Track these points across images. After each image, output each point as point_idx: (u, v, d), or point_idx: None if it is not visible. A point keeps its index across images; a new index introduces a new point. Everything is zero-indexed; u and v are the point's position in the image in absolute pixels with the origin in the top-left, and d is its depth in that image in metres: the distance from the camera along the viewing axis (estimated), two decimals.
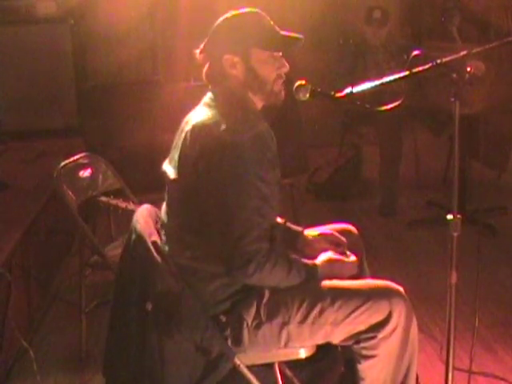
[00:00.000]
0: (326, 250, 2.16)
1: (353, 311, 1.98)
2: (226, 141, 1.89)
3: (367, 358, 2.02)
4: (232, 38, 2.01)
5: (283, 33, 2.05)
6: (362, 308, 1.98)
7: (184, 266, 1.99)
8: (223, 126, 1.91)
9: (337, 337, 2.02)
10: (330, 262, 2.08)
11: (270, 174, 1.95)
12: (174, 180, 2.02)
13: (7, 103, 5.13)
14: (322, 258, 2.10)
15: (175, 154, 2.03)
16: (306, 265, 2.03)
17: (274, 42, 2.03)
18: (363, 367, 2.03)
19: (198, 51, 2.08)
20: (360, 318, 1.98)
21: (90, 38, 5.43)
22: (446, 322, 1.97)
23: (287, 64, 2.06)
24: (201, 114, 2.01)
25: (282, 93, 2.07)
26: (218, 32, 2.04)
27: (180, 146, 2.00)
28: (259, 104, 2.08)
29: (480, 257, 2.44)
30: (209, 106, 2.03)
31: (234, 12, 2.04)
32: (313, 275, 2.03)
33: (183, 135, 2.00)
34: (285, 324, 1.98)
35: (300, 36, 2.05)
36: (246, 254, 1.88)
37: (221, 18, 2.05)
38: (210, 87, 2.09)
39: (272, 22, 2.06)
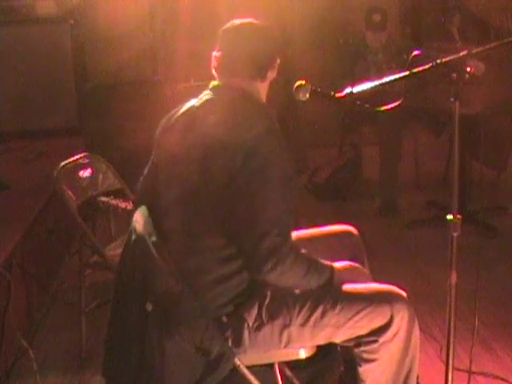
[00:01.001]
0: None
1: (354, 315, 1.98)
2: (243, 142, 1.89)
3: (368, 361, 2.02)
4: (278, 42, 2.12)
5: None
6: (364, 312, 1.98)
7: (191, 269, 1.98)
8: (234, 126, 1.92)
9: (338, 338, 2.02)
10: (347, 268, 2.08)
11: (290, 167, 1.97)
12: (181, 186, 2.00)
13: (7, 103, 5.13)
14: (340, 263, 2.09)
15: (181, 157, 2.01)
16: (324, 265, 2.02)
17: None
18: (364, 370, 2.03)
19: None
20: (361, 321, 1.98)
21: (90, 38, 5.43)
22: (445, 322, 1.97)
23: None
24: (208, 115, 1.99)
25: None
26: (262, 32, 2.09)
27: (189, 151, 1.97)
28: (264, 94, 2.11)
29: (480, 257, 2.43)
30: (212, 104, 2.02)
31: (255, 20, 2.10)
32: (330, 276, 2.01)
33: (190, 140, 1.98)
34: (286, 326, 1.98)
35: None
36: (268, 249, 1.87)
37: (250, 21, 2.09)
38: (214, 83, 2.07)
39: None
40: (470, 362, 2.42)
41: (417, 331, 2.03)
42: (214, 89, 2.07)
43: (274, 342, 1.99)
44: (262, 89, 2.09)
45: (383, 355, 2.00)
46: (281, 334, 1.98)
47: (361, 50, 4.86)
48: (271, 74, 2.08)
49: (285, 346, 2.00)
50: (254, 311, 1.98)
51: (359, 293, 2.02)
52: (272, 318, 1.97)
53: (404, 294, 2.06)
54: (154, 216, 2.05)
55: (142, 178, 2.22)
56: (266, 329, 1.97)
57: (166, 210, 2.05)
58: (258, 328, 1.97)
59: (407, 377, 2.04)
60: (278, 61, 2.09)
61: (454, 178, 1.93)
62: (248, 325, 1.96)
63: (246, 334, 1.96)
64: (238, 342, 1.97)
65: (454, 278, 1.95)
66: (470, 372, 2.44)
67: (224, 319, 1.97)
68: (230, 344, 1.96)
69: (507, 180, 4.87)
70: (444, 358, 2.02)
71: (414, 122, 4.85)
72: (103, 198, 2.97)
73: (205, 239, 1.96)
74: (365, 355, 2.01)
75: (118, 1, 5.21)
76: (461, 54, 1.92)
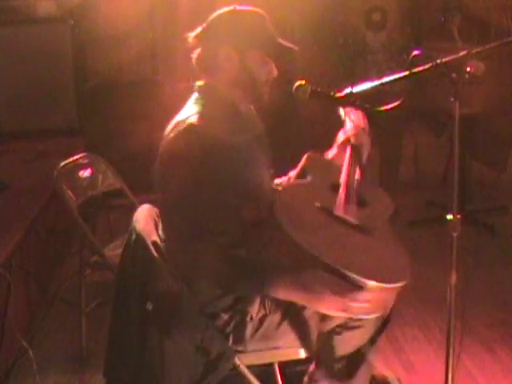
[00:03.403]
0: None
1: None
2: (192, 137, 1.87)
3: (351, 328, 2.02)
4: (234, 34, 2.00)
5: (280, 41, 2.03)
6: None
7: (185, 262, 1.97)
8: (198, 122, 1.89)
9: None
10: None
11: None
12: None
13: (7, 103, 5.12)
14: None
15: None
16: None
17: (273, 49, 2.02)
18: (340, 339, 2.03)
19: (191, 34, 2.05)
20: None
21: (90, 38, 5.42)
22: (445, 322, 1.98)
23: (276, 70, 2.04)
24: (184, 110, 2.00)
25: (267, 96, 2.05)
26: (221, 23, 2.02)
27: None
28: (243, 104, 2.05)
29: (479, 257, 2.44)
30: (194, 103, 2.02)
31: (239, 7, 2.03)
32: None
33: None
34: (287, 314, 1.99)
35: (295, 48, 2.04)
36: None
37: (225, 9, 2.03)
38: (196, 84, 2.06)
39: (272, 28, 2.04)
40: (470, 361, 2.43)
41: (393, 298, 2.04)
42: (197, 88, 2.07)
43: (275, 334, 1.99)
44: (239, 82, 2.01)
45: (369, 321, 2.01)
46: (282, 323, 1.98)
47: (361, 50, 4.86)
48: (254, 68, 2.00)
49: (284, 342, 2.00)
50: (257, 303, 1.98)
51: None
52: (275, 308, 1.98)
53: None
54: None
55: None
56: (269, 320, 1.98)
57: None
58: (261, 320, 1.98)
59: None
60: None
61: (453, 178, 1.94)
62: (251, 317, 1.97)
63: (249, 326, 1.97)
64: (240, 336, 1.97)
65: (453, 278, 1.95)
66: (469, 372, 2.44)
67: (224, 316, 1.97)
68: (231, 341, 1.96)
69: (507, 180, 4.87)
70: (444, 358, 2.03)
71: (414, 122, 4.84)
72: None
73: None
74: (351, 322, 2.01)
75: (118, 1, 5.20)
76: (461, 53, 1.92)
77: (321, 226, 1.85)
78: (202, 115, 1.93)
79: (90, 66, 5.50)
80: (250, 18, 2.03)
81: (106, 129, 4.76)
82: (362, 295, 1.74)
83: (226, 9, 2.03)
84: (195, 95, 2.05)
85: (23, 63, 5.09)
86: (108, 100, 4.88)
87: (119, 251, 2.16)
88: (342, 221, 1.88)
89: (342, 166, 2.11)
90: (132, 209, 2.32)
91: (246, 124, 2.05)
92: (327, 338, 2.05)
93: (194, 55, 2.05)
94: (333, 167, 2.17)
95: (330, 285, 1.73)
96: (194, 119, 1.91)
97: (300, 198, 1.96)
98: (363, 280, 1.68)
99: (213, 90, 2.02)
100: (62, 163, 2.89)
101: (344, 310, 1.78)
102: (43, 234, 3.60)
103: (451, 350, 1.98)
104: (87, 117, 5.04)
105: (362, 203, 1.97)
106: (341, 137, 2.23)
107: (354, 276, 1.67)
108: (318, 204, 1.92)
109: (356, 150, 2.04)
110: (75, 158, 3.00)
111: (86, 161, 3.04)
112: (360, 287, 1.69)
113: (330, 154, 2.25)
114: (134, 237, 2.03)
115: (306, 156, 2.11)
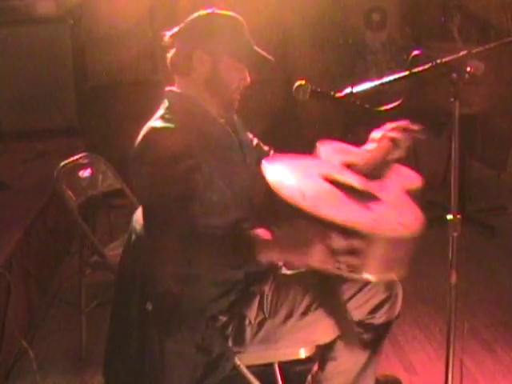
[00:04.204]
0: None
1: (356, 293, 2.02)
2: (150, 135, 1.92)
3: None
4: (209, 37, 1.98)
5: (256, 49, 2.01)
6: (364, 290, 2.03)
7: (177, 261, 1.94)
8: (158, 125, 1.93)
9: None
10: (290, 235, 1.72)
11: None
12: None
13: (7, 103, 5.13)
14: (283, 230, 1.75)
15: None
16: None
17: (247, 57, 2.00)
18: (342, 345, 2.05)
19: (168, 33, 2.04)
20: (362, 299, 2.02)
21: (90, 38, 5.42)
22: (446, 322, 1.98)
23: (249, 78, 2.02)
24: (153, 117, 2.01)
25: (237, 103, 2.04)
26: (197, 24, 2.01)
27: None
28: (214, 108, 2.03)
29: (479, 257, 2.43)
30: (161, 108, 2.04)
31: (218, 11, 2.02)
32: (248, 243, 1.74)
33: None
34: (287, 318, 1.99)
35: (271, 58, 2.02)
36: None
37: (204, 12, 2.02)
38: (166, 90, 2.08)
39: (249, 36, 2.02)
40: (470, 362, 2.42)
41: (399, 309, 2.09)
42: (166, 94, 2.11)
43: (274, 338, 1.99)
44: (210, 86, 2.01)
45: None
46: (282, 326, 1.98)
47: (361, 50, 4.87)
48: (226, 73, 1.99)
49: (284, 342, 2.01)
50: (255, 307, 1.98)
51: None
52: (274, 312, 1.98)
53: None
54: None
55: None
56: (269, 324, 1.98)
57: None
58: (261, 324, 1.98)
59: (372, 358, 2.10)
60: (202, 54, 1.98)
61: (453, 178, 1.94)
62: (250, 321, 1.97)
63: (248, 330, 1.97)
64: (239, 339, 1.97)
65: (453, 278, 1.95)
66: (470, 372, 2.44)
67: (222, 318, 1.97)
68: (230, 343, 1.96)
69: (507, 180, 4.87)
70: (444, 358, 2.03)
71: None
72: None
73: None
74: None
75: (118, 1, 5.20)
76: (461, 53, 1.92)
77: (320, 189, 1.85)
78: (164, 119, 1.95)
79: (89, 66, 5.50)
80: (226, 22, 2.01)
81: (106, 129, 4.77)
82: (353, 243, 1.63)
83: (204, 11, 2.02)
84: (164, 101, 2.05)
85: (23, 63, 5.10)
86: (108, 100, 4.89)
87: (119, 251, 2.16)
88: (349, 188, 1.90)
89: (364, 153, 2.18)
90: (132, 209, 2.31)
91: (221, 130, 2.04)
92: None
93: (169, 54, 2.06)
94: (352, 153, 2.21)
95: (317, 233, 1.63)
96: (155, 123, 1.94)
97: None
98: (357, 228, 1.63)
99: (179, 96, 2.04)
100: (62, 163, 2.89)
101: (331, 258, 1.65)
102: (43, 233, 3.60)
103: (451, 350, 1.98)
104: (87, 117, 5.05)
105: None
106: (377, 133, 2.25)
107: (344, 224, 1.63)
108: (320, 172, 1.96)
109: (392, 145, 2.09)
110: (75, 157, 3.00)
111: (85, 161, 3.04)
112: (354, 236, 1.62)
113: (368, 147, 2.28)
114: (133, 237, 2.02)
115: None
